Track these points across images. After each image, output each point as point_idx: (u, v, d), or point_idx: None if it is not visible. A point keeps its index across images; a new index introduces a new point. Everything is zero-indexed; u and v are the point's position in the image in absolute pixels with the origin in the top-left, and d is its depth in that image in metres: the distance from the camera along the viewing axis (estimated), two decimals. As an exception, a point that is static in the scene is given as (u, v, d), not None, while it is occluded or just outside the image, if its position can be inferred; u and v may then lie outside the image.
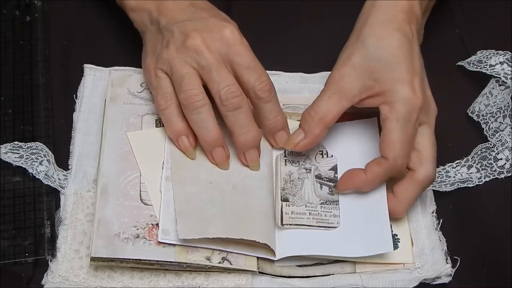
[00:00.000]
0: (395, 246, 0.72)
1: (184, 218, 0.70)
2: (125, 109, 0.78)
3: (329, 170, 0.77)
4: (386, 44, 0.72)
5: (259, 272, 0.71)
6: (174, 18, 0.76)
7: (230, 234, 0.70)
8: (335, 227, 0.73)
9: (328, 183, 0.76)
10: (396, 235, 0.73)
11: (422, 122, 0.73)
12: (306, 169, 0.77)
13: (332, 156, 0.78)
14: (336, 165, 0.77)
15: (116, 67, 0.82)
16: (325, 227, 0.73)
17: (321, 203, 0.75)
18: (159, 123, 0.77)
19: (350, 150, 0.78)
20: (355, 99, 0.73)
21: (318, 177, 0.76)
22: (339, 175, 0.76)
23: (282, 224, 0.73)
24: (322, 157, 0.78)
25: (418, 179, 0.72)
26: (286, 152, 0.78)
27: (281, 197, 0.75)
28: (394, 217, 0.73)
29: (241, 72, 0.74)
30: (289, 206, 0.74)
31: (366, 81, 0.72)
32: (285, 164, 0.77)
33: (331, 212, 0.74)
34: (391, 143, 0.71)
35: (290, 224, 0.73)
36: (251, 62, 0.74)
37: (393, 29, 0.73)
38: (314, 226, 0.73)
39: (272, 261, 0.71)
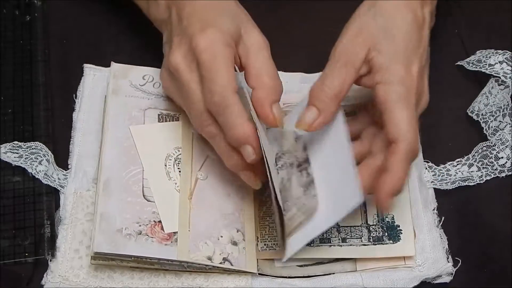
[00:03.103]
0: (397, 238, 0.71)
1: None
2: (127, 101, 0.77)
3: (303, 151, 0.72)
4: (397, 24, 0.69)
5: (259, 273, 0.71)
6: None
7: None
8: (316, 209, 0.69)
9: (305, 164, 0.71)
10: (399, 226, 0.72)
11: None
12: (290, 165, 0.72)
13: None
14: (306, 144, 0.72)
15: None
16: (311, 214, 0.69)
17: (304, 191, 0.70)
18: (162, 118, 0.77)
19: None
20: (362, 69, 0.69)
21: (299, 165, 0.72)
22: (309, 152, 0.71)
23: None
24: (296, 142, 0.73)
25: (402, 148, 0.66)
26: (276, 160, 0.72)
27: (284, 215, 0.70)
28: (396, 194, 0.67)
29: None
30: (286, 215, 0.70)
31: (370, 51, 0.69)
32: (278, 173, 0.72)
33: (310, 193, 0.69)
34: (399, 124, 0.66)
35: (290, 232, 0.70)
36: (205, 74, 0.67)
37: (408, 11, 0.70)
38: (304, 221, 0.69)
39: (273, 262, 0.71)
